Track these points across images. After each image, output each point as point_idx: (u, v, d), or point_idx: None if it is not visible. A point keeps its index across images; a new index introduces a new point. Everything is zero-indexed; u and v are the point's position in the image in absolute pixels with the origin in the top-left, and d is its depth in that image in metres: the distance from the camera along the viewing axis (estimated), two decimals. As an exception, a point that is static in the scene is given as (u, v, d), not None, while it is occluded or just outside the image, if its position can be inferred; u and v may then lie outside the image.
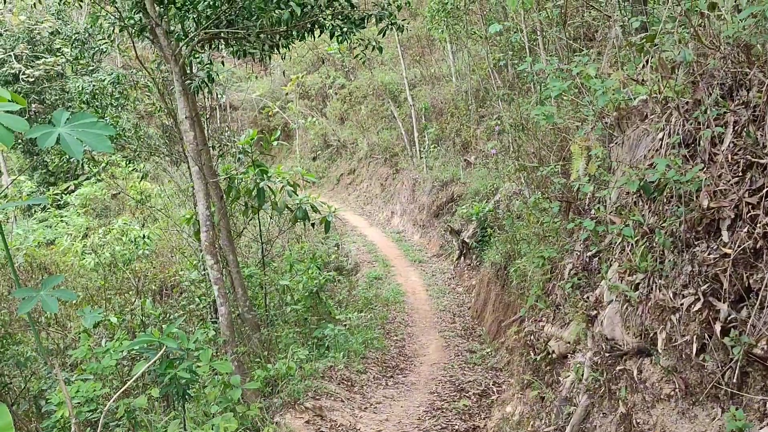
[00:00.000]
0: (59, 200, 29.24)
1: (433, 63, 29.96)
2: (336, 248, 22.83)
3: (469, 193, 20.47)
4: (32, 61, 36.38)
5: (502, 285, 14.51)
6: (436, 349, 14.38)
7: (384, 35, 11.02)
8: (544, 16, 14.10)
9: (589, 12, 14.54)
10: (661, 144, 5.64)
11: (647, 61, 5.83)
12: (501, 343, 13.28)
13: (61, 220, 28.01)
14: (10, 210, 24.56)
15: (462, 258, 19.57)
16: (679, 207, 5.06)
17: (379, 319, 15.98)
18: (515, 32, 16.86)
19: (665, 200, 5.42)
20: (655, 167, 5.23)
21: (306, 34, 10.85)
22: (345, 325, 14.33)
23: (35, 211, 29.30)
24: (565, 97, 8.62)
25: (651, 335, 5.39)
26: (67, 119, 3.12)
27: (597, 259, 7.57)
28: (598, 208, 6.71)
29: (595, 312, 6.92)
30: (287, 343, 12.50)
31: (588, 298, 7.30)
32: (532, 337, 9.07)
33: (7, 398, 10.56)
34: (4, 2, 10.61)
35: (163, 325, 12.54)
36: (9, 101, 3.29)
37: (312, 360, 12.08)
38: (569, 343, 7.48)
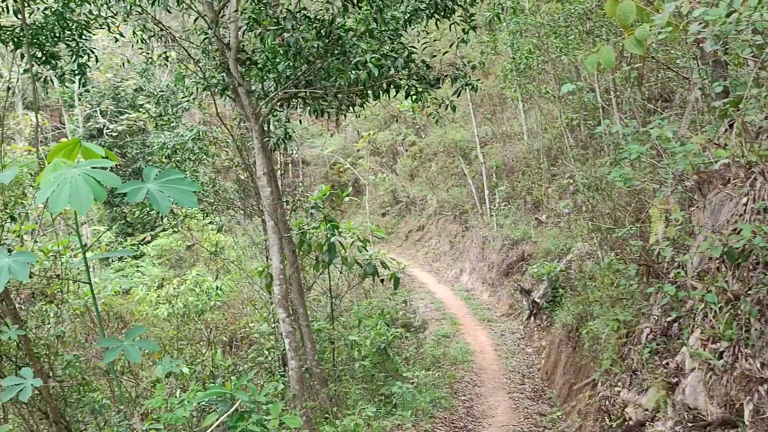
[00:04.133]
0: (136, 251, 30.05)
1: (504, 121, 30.05)
2: (404, 305, 22.76)
3: (540, 252, 20.25)
4: (116, 116, 37.97)
5: (574, 347, 14.20)
6: (505, 410, 14.10)
7: (459, 95, 11.15)
8: (618, 77, 14.06)
9: (665, 73, 14.44)
10: (746, 209, 5.52)
11: (730, 125, 5.75)
12: (572, 407, 12.94)
13: (137, 270, 28.73)
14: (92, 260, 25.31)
15: (532, 318, 19.27)
16: (765, 275, 4.92)
17: (447, 377, 15.79)
18: (588, 92, 16.83)
19: (750, 267, 5.28)
20: (739, 233, 5.11)
21: (381, 94, 11.06)
22: (412, 383, 14.20)
23: (112, 261, 30.17)
24: (642, 159, 8.55)
25: (737, 406, 5.20)
26: (156, 175, 3.26)
27: (677, 324, 7.37)
28: (679, 272, 6.57)
29: (676, 379, 6.71)
30: (355, 399, 12.44)
31: (668, 364, 7.09)
32: (607, 402, 8.83)
33: (81, 444, 10.75)
34: (96, 61, 11.17)
35: (232, 377, 12.66)
36: (103, 157, 3.46)
37: (380, 417, 11.97)
38: (648, 410, 7.25)
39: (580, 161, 16.40)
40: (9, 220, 10.61)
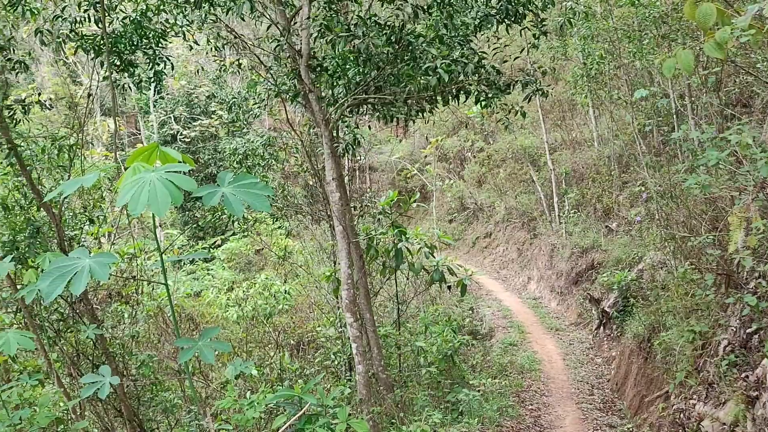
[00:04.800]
0: (208, 254, 30.75)
1: (574, 127, 29.60)
2: (470, 312, 22.62)
3: (611, 261, 19.84)
4: (189, 122, 38.89)
5: (645, 358, 13.88)
6: (573, 421, 13.86)
7: (529, 101, 11.03)
8: (695, 82, 13.70)
9: (744, 77, 14.01)
10: (832, 217, 5.30)
11: (815, 130, 5.53)
12: (644, 419, 12.63)
13: (208, 273, 29.34)
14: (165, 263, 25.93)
15: (601, 328, 18.89)
16: None
17: (514, 386, 15.60)
18: (662, 97, 16.46)
19: (837, 278, 5.06)
20: (825, 242, 4.91)
21: (451, 99, 11.03)
22: (479, 391, 14.08)
23: (184, 264, 30.89)
24: (721, 166, 8.29)
25: (821, 423, 4.98)
26: (230, 180, 3.31)
27: (757, 336, 7.11)
28: (760, 282, 6.33)
29: (756, 393, 6.47)
30: (422, 406, 12.40)
31: (747, 377, 6.85)
32: (681, 415, 8.58)
33: (153, 443, 11.00)
34: (172, 68, 11.47)
35: (300, 380, 12.79)
36: (179, 162, 3.53)
37: (446, 424, 11.90)
38: (726, 424, 7.01)
39: (653, 168, 16.03)
40: (88, 223, 10.98)
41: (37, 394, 7.56)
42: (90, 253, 3.17)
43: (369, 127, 17.15)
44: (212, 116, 37.63)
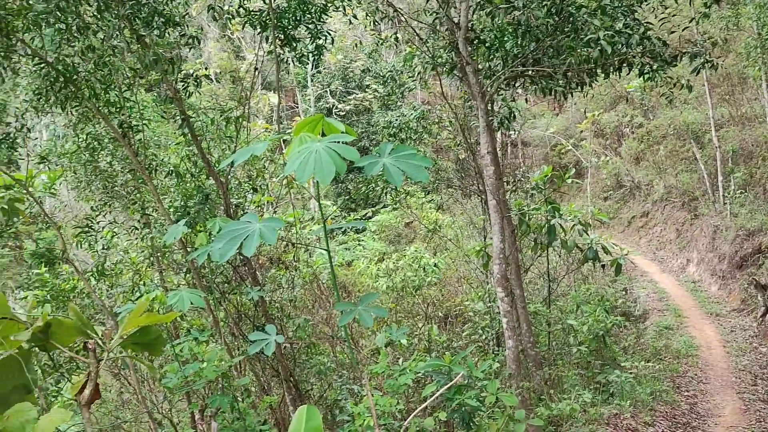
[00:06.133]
0: (364, 223, 31.52)
1: (744, 102, 27.80)
2: (624, 292, 21.96)
3: (781, 245, 18.62)
4: (344, 96, 39.75)
5: (818, 350, 12.97)
6: (733, 411, 13.20)
7: (697, 74, 10.45)
8: None
9: None
10: None
11: None
12: (814, 414, 11.86)
13: (359, 244, 30.06)
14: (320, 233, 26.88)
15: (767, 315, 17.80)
16: None
17: (669, 371, 15.05)
18: None
19: None
20: None
21: (612, 72, 10.65)
22: (631, 373, 13.69)
23: (336, 234, 31.78)
24: None
25: None
26: (390, 151, 3.37)
27: None
28: None
29: None
30: (571, 384, 12.23)
31: None
32: None
33: (308, 402, 11.48)
34: (332, 43, 11.73)
35: (447, 352, 12.93)
36: (342, 132, 3.63)
37: (596, 404, 11.68)
38: None
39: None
40: (251, 191, 11.56)
41: (202, 351, 8.06)
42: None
43: (526, 100, 16.89)
44: (366, 90, 38.27)
